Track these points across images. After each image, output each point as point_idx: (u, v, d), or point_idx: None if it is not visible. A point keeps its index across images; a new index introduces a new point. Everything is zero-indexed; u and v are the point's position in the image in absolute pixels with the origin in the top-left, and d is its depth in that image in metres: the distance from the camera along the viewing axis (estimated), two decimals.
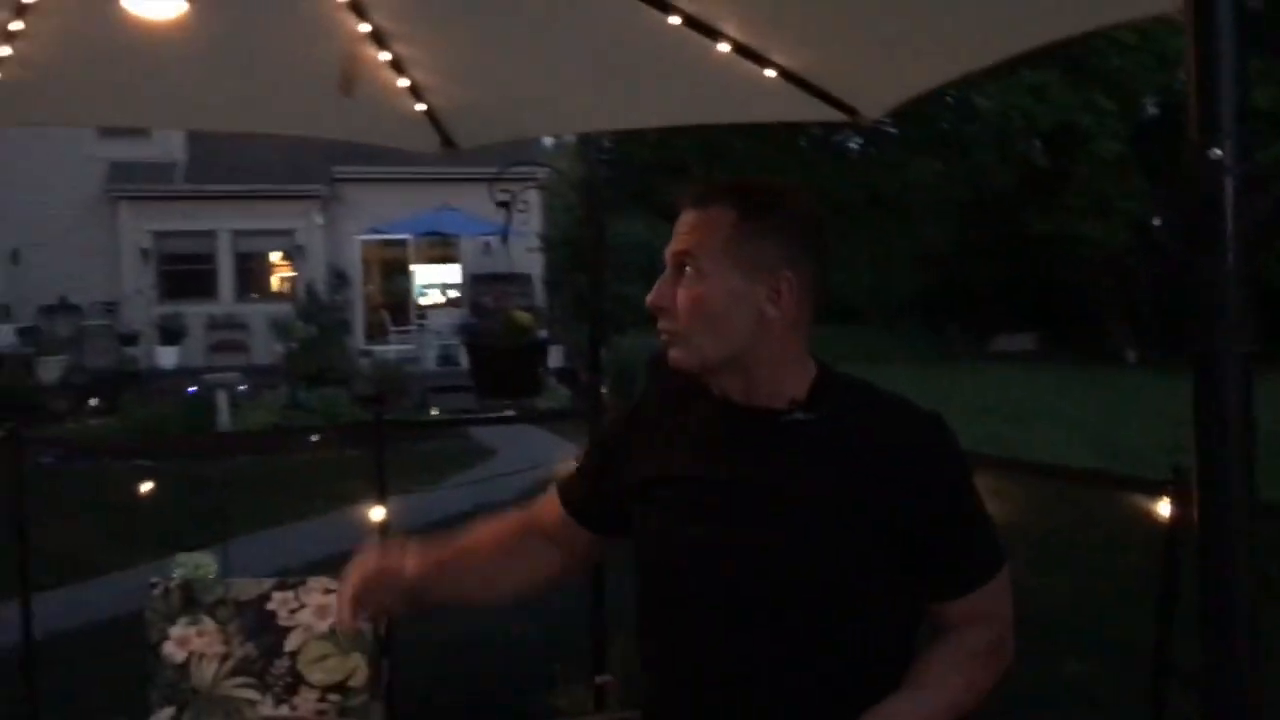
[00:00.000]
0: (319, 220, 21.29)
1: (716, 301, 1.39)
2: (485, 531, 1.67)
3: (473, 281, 21.57)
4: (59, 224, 20.05)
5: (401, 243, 22.09)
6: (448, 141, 3.13)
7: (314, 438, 9.59)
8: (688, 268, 1.40)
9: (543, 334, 16.99)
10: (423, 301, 22.51)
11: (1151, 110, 24.46)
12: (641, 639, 1.51)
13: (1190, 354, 1.02)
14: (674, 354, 1.43)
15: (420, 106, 2.94)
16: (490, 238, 20.80)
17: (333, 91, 2.77)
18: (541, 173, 20.81)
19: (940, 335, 27.63)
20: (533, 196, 20.87)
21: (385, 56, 2.73)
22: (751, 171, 21.93)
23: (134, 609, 5.46)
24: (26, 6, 2.50)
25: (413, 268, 22.82)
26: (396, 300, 22.82)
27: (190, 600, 2.75)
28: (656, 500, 1.47)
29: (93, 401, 15.41)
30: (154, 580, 2.78)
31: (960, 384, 16.51)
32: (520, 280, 20.94)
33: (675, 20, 2.33)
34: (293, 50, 2.73)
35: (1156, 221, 18.72)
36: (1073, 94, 21.67)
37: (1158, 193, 19.99)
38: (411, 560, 1.55)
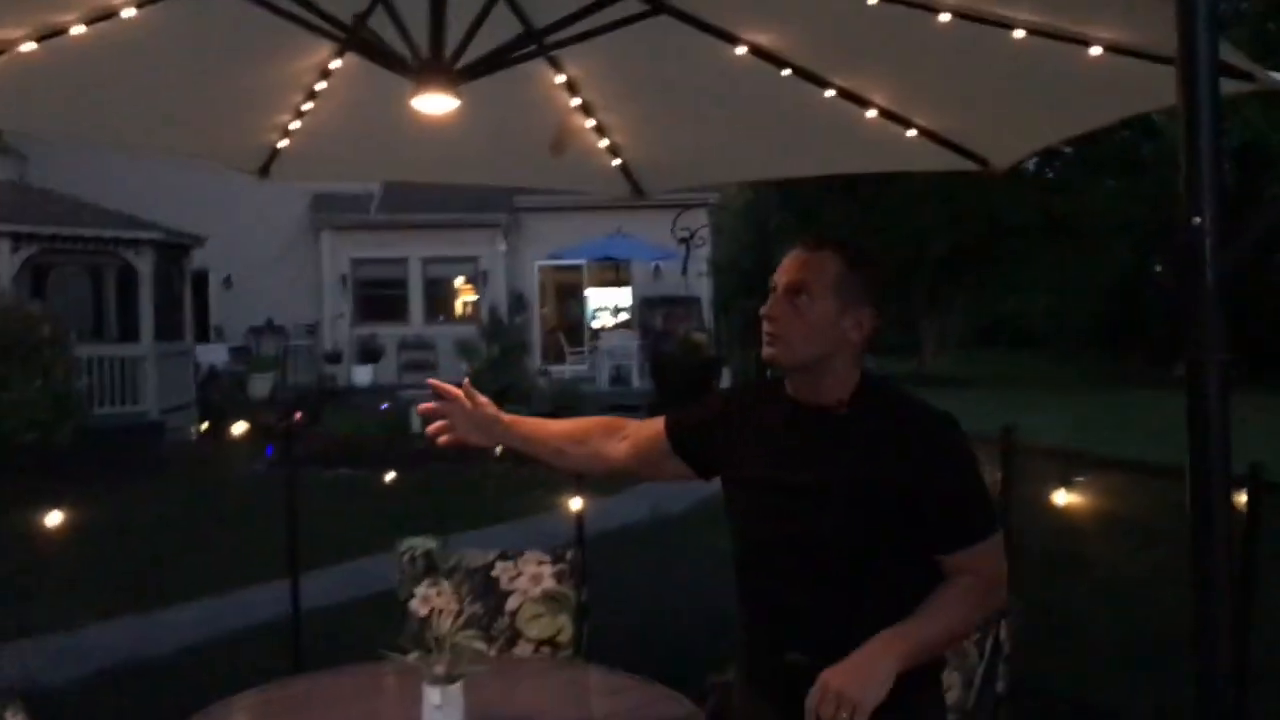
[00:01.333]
0: (501, 247, 22.48)
1: (822, 321, 1.90)
2: (572, 422, 2.39)
3: (643, 304, 22.36)
4: (267, 252, 21.84)
5: (577, 268, 23.11)
6: (637, 190, 3.71)
7: (497, 451, 10.47)
8: (803, 294, 1.92)
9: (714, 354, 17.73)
10: (595, 324, 23.46)
11: None
12: (739, 589, 2.06)
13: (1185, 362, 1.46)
14: (771, 352, 1.95)
15: (616, 162, 3.54)
16: (660, 262, 21.60)
17: (547, 151, 3.39)
18: (713, 197, 21.40)
19: (1121, 361, 26.88)
20: (703, 219, 21.55)
21: (591, 123, 3.33)
22: (928, 190, 22.00)
23: (357, 594, 6.25)
24: (318, 93, 3.21)
25: (587, 291, 23.81)
26: (572, 322, 23.86)
27: (431, 566, 3.39)
28: (739, 485, 2.04)
29: (297, 415, 16.76)
30: (404, 549, 3.42)
31: (1138, 410, 16.19)
32: (689, 303, 21.61)
33: (830, 93, 2.84)
34: (519, 120, 3.36)
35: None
36: (1264, 114, 20.86)
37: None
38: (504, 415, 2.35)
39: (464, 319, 22.60)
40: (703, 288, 21.93)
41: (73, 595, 6.70)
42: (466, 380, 2.43)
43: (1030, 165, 27.68)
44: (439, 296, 23.43)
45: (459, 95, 2.42)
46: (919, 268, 25.56)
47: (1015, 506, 3.33)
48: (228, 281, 22.15)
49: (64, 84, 2.98)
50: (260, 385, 18.54)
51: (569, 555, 3.44)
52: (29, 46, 2.70)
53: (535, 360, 21.65)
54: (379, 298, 22.77)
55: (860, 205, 23.16)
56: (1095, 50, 2.08)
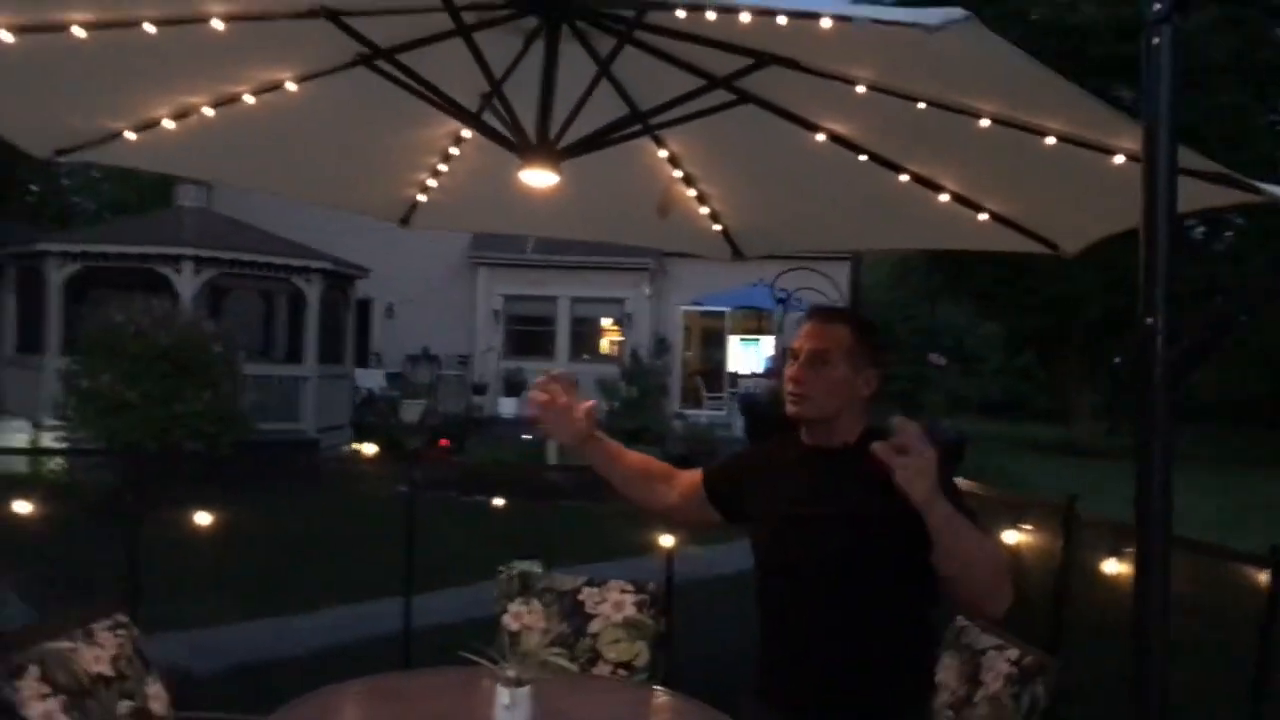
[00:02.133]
0: (647, 291, 23.03)
1: (840, 382, 2.30)
2: (643, 458, 2.73)
3: (781, 354, 22.51)
4: (427, 284, 22.93)
5: (719, 314, 23.47)
6: (737, 253, 4.01)
7: None
8: (823, 360, 2.31)
9: None
10: (735, 370, 23.72)
11: None
12: (760, 614, 2.37)
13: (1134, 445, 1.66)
14: (796, 409, 2.33)
15: (717, 227, 3.84)
16: (800, 314, 21.69)
17: (654, 215, 3.72)
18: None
19: None
20: (844, 271, 21.57)
21: (692, 193, 3.65)
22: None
23: (475, 614, 6.62)
24: (452, 156, 3.62)
25: (728, 338, 24.12)
26: (712, 368, 24.19)
27: (525, 585, 3.72)
28: (762, 520, 2.40)
29: (443, 442, 17.50)
30: (501, 568, 3.76)
31: None
32: None
33: (905, 178, 3.08)
34: (629, 186, 3.69)
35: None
36: None
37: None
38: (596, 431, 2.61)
39: (607, 358, 23.19)
40: None
41: (219, 594, 7.30)
42: (576, 380, 2.77)
43: (1199, 234, 26.75)
44: (584, 335, 24.14)
45: (560, 171, 2.76)
46: (1072, 332, 24.95)
47: (1074, 573, 3.46)
48: (390, 310, 23.30)
49: (235, 141, 3.45)
50: (412, 411, 19.37)
51: (650, 586, 3.72)
52: (209, 111, 3.18)
53: (674, 403, 22.01)
54: (528, 333, 23.62)
55: (1011, 268, 22.83)
56: (1119, 159, 2.28)
